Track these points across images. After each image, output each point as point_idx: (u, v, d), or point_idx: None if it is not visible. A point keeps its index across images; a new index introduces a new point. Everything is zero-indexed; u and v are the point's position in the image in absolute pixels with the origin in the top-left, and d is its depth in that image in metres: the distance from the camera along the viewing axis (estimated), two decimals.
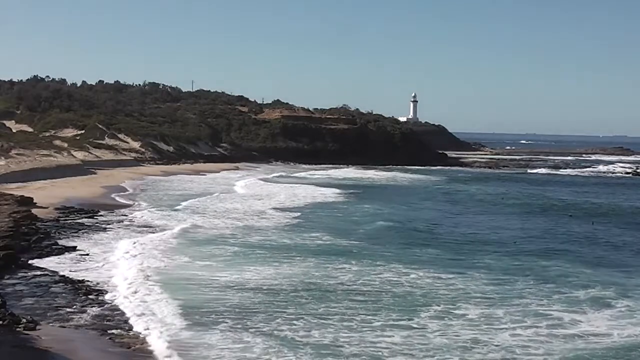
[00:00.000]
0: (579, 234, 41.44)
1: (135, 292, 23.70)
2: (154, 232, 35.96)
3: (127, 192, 54.34)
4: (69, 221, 37.80)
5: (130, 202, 48.46)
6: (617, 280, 27.67)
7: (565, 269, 29.82)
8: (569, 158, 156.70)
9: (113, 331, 19.77)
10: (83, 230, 35.32)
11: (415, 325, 20.93)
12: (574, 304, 23.60)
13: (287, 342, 19.16)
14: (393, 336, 19.84)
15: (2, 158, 57.75)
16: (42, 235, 32.20)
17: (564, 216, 50.53)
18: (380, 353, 18.54)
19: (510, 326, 21.00)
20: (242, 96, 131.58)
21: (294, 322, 21.04)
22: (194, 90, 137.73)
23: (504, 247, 35.78)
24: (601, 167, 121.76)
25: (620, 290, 25.62)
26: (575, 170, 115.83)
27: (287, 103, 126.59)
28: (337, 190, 63.78)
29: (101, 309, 21.76)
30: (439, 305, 22.99)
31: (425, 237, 37.90)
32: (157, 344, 18.93)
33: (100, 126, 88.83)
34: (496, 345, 19.23)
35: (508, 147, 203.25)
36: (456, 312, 22.35)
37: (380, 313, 22.07)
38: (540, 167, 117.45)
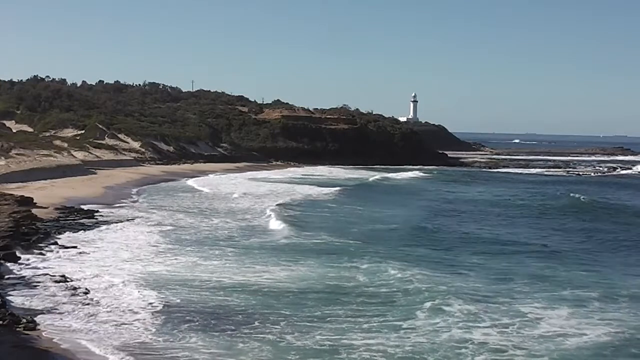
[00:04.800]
0: (574, 233, 41.62)
1: (134, 292, 23.75)
2: (155, 233, 36.05)
3: (127, 192, 54.41)
4: (69, 221, 37.83)
5: (131, 202, 48.59)
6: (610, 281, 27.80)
7: (563, 269, 29.92)
8: (569, 158, 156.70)
9: (111, 330, 19.82)
10: (83, 230, 35.37)
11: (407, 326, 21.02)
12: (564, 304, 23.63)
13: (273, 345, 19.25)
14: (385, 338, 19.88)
15: (2, 158, 57.75)
16: (42, 235, 32.23)
17: (560, 216, 50.61)
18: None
19: (491, 324, 21.06)
20: (242, 96, 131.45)
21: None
22: (194, 90, 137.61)
23: (503, 247, 35.79)
24: (602, 167, 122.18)
25: (608, 291, 25.74)
26: (577, 170, 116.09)
27: (287, 103, 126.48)
28: (338, 190, 63.80)
29: (101, 309, 21.79)
30: (433, 302, 23.11)
31: (424, 238, 37.81)
32: (154, 343, 18.99)
33: (100, 126, 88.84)
34: (479, 344, 19.26)
35: (507, 148, 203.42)
36: (447, 308, 22.42)
37: (376, 313, 22.21)
38: (540, 167, 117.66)
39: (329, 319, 21.60)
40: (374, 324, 21.12)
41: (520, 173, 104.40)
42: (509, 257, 32.72)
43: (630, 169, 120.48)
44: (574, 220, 47.51)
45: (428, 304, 22.95)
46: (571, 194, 62.27)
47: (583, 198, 59.48)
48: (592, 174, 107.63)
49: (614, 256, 34.35)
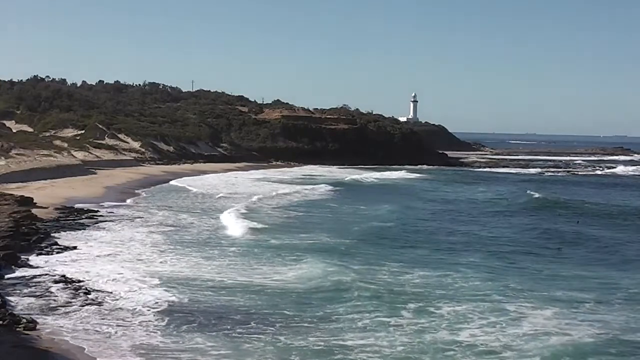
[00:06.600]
0: (567, 234, 41.44)
1: (135, 292, 23.75)
2: (156, 233, 36.04)
3: (127, 192, 54.39)
4: (69, 221, 37.82)
5: (131, 202, 48.56)
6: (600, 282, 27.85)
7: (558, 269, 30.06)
8: (569, 158, 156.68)
9: (111, 331, 19.80)
10: (83, 230, 35.37)
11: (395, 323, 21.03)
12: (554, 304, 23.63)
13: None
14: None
15: (2, 158, 57.74)
16: (42, 235, 32.20)
17: (557, 215, 50.67)
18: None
19: (478, 324, 21.10)
20: (242, 96, 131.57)
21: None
22: (194, 90, 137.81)
23: (500, 247, 35.77)
24: (601, 167, 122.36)
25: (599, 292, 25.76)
26: (577, 169, 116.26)
27: (287, 103, 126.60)
28: (338, 191, 63.99)
29: (102, 309, 21.77)
30: (420, 303, 23.18)
31: (420, 238, 37.78)
32: (159, 344, 18.97)
33: (100, 126, 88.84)
34: (466, 345, 19.25)
35: (507, 148, 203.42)
36: (436, 311, 22.40)
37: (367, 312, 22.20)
38: (540, 167, 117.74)
39: (330, 318, 21.63)
40: (368, 322, 21.15)
41: (520, 173, 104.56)
42: (504, 256, 32.87)
43: (614, 167, 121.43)
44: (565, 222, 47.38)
45: (422, 304, 23.01)
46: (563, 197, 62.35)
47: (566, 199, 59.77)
48: (591, 173, 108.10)
49: (609, 256, 34.37)
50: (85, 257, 29.08)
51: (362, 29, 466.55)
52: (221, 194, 56.18)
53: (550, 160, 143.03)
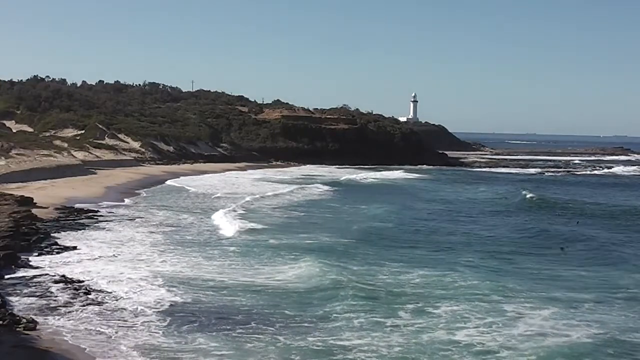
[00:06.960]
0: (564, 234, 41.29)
1: (136, 292, 23.78)
2: (156, 232, 36.08)
3: (127, 192, 54.42)
4: (69, 221, 37.86)
5: (131, 202, 48.58)
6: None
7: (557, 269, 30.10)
8: (569, 158, 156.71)
9: (112, 331, 19.84)
10: (83, 230, 35.40)
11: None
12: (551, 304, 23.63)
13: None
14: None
15: (2, 158, 57.77)
16: (42, 235, 32.23)
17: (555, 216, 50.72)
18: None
19: (476, 324, 21.14)
20: (242, 96, 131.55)
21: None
22: (194, 90, 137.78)
23: (499, 247, 35.79)
24: (601, 166, 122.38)
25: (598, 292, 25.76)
26: (576, 170, 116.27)
27: (287, 103, 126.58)
28: (337, 191, 64.03)
29: (102, 309, 21.81)
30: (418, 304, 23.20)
31: (419, 238, 37.79)
32: (161, 345, 18.99)
33: (100, 126, 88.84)
34: (464, 345, 19.28)
35: (507, 148, 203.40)
36: (435, 311, 22.44)
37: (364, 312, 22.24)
38: (540, 167, 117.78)
39: (329, 317, 21.66)
40: (365, 322, 21.18)
41: (520, 173, 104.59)
42: (503, 256, 32.95)
43: (613, 167, 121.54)
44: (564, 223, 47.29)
45: (420, 304, 23.07)
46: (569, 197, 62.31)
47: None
48: (590, 173, 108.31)
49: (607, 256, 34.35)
50: (86, 257, 29.10)
51: (362, 29, 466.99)
52: (221, 194, 56.23)
53: (550, 160, 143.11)
